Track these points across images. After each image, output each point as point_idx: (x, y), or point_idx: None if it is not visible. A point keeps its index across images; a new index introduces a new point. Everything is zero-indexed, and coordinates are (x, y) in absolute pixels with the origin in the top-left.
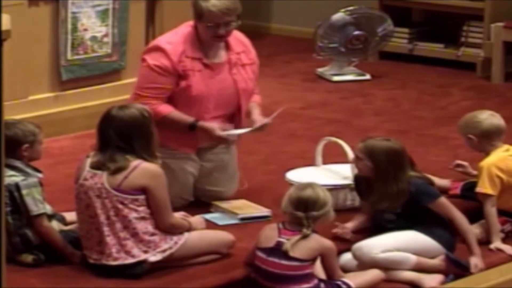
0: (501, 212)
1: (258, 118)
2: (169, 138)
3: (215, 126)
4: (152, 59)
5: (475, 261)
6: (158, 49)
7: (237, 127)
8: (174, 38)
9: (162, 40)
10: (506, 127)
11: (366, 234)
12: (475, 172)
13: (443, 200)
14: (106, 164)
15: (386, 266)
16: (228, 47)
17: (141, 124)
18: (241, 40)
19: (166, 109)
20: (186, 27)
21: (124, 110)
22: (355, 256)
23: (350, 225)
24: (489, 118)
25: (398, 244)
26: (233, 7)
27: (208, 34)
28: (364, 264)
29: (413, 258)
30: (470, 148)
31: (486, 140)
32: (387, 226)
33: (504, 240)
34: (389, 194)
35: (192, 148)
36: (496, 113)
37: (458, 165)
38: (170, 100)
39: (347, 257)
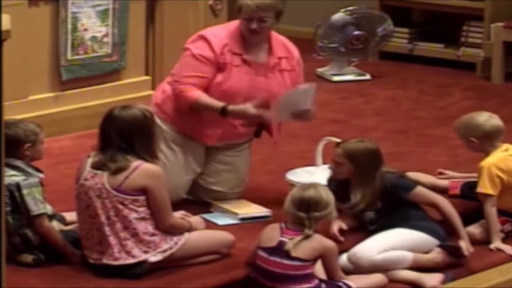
0: (501, 212)
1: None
2: (192, 126)
3: (247, 105)
4: (196, 48)
5: (464, 244)
6: (203, 39)
7: (262, 131)
8: (220, 32)
9: (207, 32)
10: (505, 126)
11: (354, 236)
12: (462, 174)
13: (420, 189)
14: (106, 164)
15: (384, 267)
16: (270, 51)
17: (142, 125)
18: (286, 46)
19: (195, 95)
20: (233, 23)
21: (126, 110)
22: (351, 262)
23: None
24: (490, 119)
25: (393, 243)
26: (269, 4)
27: (244, 28)
28: (362, 268)
29: (409, 256)
30: (469, 150)
31: (487, 142)
32: (369, 228)
33: (504, 240)
34: (367, 194)
35: (212, 139)
36: (494, 113)
37: (441, 173)
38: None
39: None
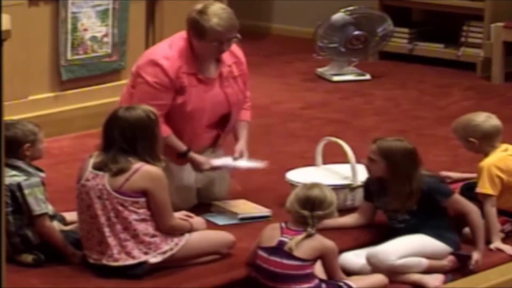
0: (501, 212)
1: (240, 149)
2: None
3: (204, 161)
4: (150, 76)
5: (477, 256)
6: (155, 64)
7: (224, 132)
8: (170, 53)
9: (158, 55)
10: (503, 126)
11: (358, 235)
12: (466, 175)
13: (457, 196)
14: (108, 165)
15: (401, 271)
16: (219, 60)
17: (145, 126)
18: (233, 51)
19: (164, 132)
20: (180, 40)
21: (130, 111)
22: (370, 263)
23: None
24: (488, 120)
25: (412, 249)
26: (236, 23)
27: (211, 52)
28: (380, 270)
29: (425, 262)
30: (468, 150)
31: (486, 142)
32: (396, 226)
33: (504, 240)
34: (402, 194)
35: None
36: (493, 113)
37: (446, 177)
38: (166, 115)
39: (361, 262)
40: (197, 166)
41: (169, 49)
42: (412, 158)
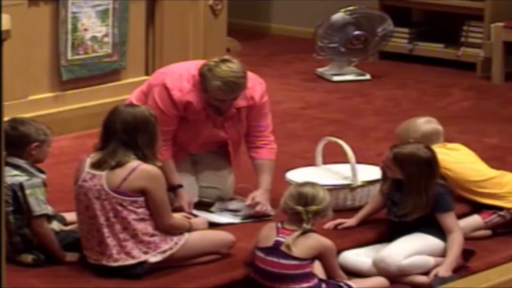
0: (483, 206)
1: (256, 199)
2: None
3: (186, 203)
4: (162, 102)
5: (438, 270)
6: (167, 92)
7: (227, 157)
8: (185, 85)
9: (174, 83)
10: (443, 130)
11: (354, 235)
12: None
13: (451, 215)
14: (107, 161)
15: (411, 271)
16: None
17: (148, 121)
18: (251, 93)
19: (163, 155)
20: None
21: (133, 107)
22: (378, 268)
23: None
24: (427, 122)
25: (416, 248)
26: (239, 87)
27: (214, 104)
28: (390, 273)
29: (431, 260)
30: None
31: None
32: (391, 218)
33: (492, 237)
34: (419, 205)
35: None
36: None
37: None
38: None
39: (361, 261)
40: (179, 204)
41: (186, 79)
42: (427, 168)
